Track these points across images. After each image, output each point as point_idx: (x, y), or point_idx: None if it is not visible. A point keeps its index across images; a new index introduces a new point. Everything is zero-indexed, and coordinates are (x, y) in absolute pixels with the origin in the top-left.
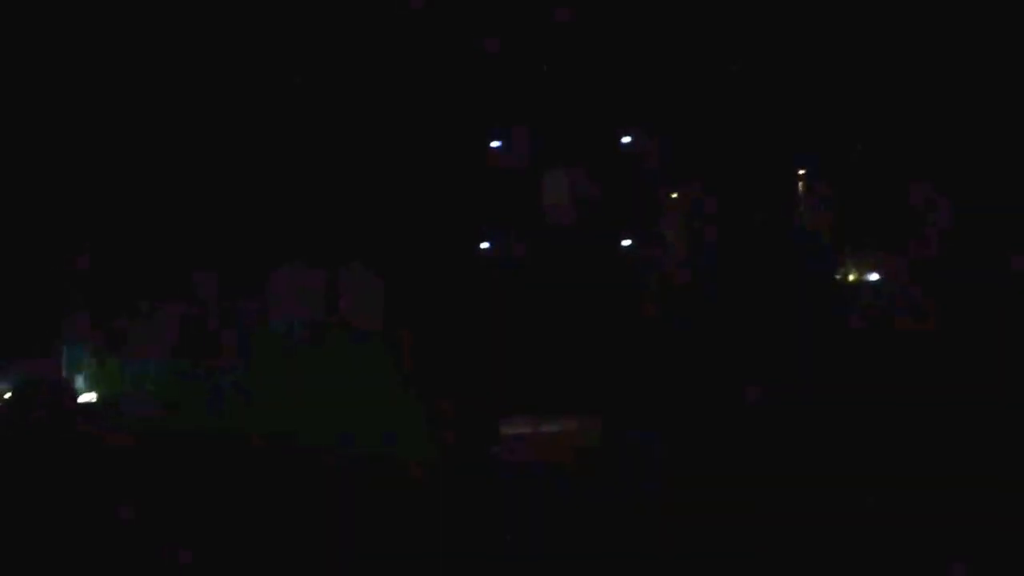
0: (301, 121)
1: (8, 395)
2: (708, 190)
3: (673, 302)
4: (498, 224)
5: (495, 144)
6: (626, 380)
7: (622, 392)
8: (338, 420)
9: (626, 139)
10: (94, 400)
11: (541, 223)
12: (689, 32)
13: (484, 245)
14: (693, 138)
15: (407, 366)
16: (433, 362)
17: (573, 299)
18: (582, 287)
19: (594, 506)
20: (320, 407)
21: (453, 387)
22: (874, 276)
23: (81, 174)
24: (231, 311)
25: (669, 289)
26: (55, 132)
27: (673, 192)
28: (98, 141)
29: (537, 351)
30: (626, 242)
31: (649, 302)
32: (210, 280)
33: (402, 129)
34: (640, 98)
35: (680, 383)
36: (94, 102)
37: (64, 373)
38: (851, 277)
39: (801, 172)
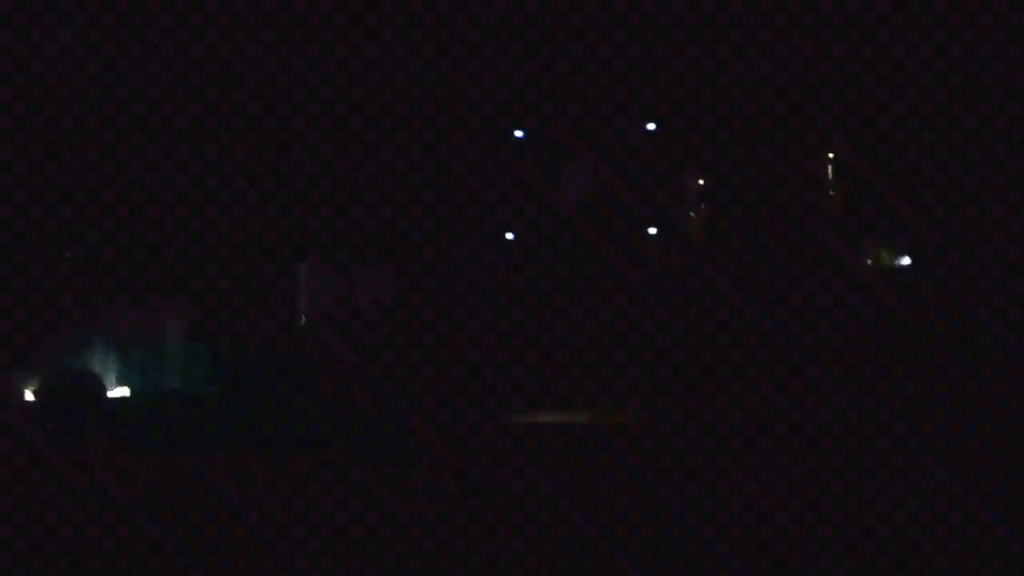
0: (316, 114)
1: (37, 390)
2: (734, 177)
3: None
4: (521, 214)
5: (518, 133)
6: (645, 373)
7: (642, 385)
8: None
9: (651, 126)
10: (127, 395)
11: (562, 213)
12: (710, 15)
13: (509, 236)
14: (716, 123)
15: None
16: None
17: (594, 289)
18: (603, 278)
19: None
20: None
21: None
22: (906, 260)
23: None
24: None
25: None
26: (58, 133)
27: (699, 179)
28: (100, 141)
29: (557, 342)
30: (652, 231)
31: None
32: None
33: (420, 123)
34: (661, 83)
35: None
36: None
37: (96, 368)
38: (883, 262)
39: (831, 155)
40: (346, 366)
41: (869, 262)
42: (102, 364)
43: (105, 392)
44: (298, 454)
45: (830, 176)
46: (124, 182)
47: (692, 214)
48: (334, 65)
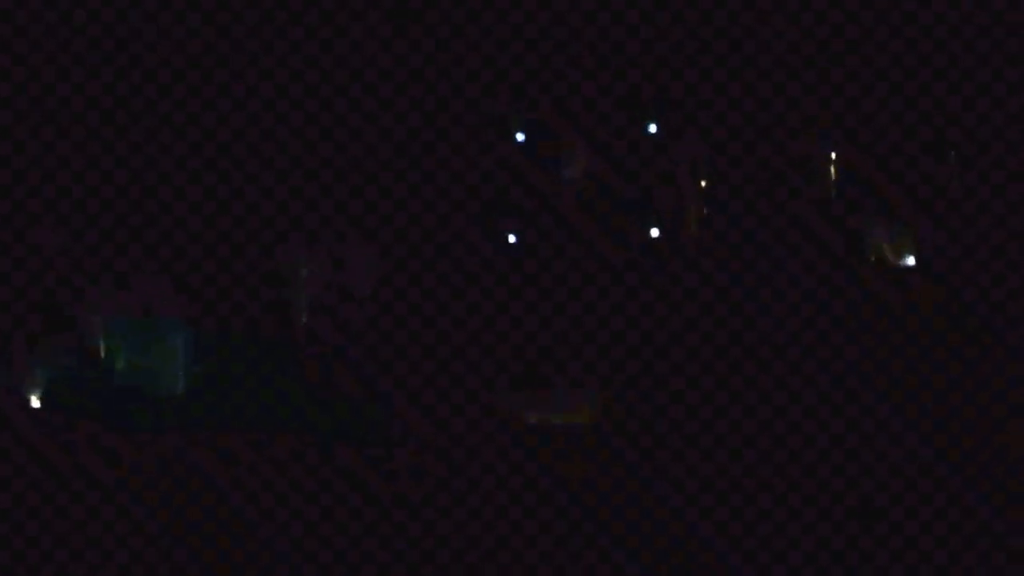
0: (313, 114)
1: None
2: (735, 175)
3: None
4: (523, 216)
5: (520, 137)
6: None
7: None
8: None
9: (652, 128)
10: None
11: (564, 214)
12: (712, 12)
13: (512, 239)
14: (720, 123)
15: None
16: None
17: (596, 289)
18: (606, 278)
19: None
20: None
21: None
22: (911, 260)
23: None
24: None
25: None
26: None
27: (702, 181)
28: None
29: (556, 340)
30: (654, 232)
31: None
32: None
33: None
34: (665, 82)
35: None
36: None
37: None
38: (888, 261)
39: (834, 155)
40: (331, 347)
41: (873, 260)
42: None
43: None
44: (281, 435)
45: (833, 175)
46: (108, 164)
47: (690, 212)
48: (318, 46)
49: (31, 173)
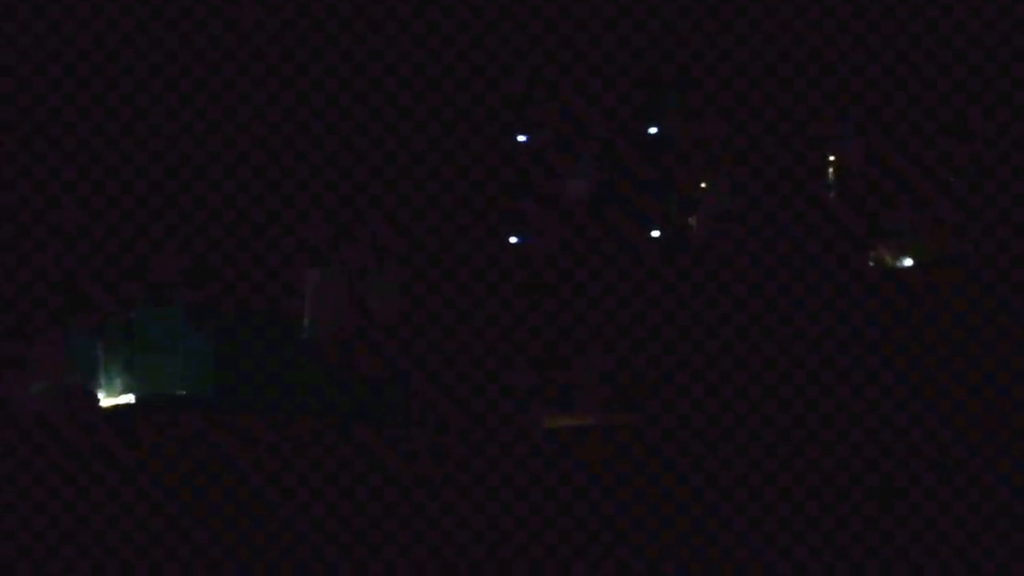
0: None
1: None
2: (737, 179)
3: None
4: (526, 218)
5: (522, 138)
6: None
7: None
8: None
9: (653, 129)
10: (132, 402)
11: (567, 216)
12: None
13: (513, 240)
14: (721, 125)
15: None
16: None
17: (598, 292)
18: (609, 279)
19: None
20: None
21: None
22: (908, 262)
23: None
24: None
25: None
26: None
27: (702, 183)
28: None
29: (564, 345)
30: (655, 233)
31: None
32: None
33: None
34: (666, 84)
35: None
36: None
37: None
38: (886, 263)
39: (832, 158)
40: (351, 329)
41: (871, 264)
42: (108, 367)
43: (97, 403)
44: (301, 416)
45: (831, 177)
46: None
47: (693, 217)
48: (335, 57)
49: (55, 156)
